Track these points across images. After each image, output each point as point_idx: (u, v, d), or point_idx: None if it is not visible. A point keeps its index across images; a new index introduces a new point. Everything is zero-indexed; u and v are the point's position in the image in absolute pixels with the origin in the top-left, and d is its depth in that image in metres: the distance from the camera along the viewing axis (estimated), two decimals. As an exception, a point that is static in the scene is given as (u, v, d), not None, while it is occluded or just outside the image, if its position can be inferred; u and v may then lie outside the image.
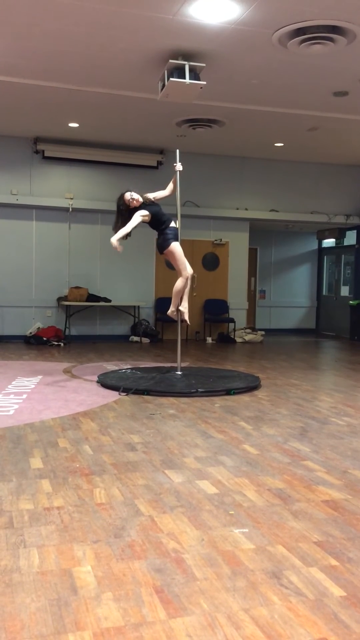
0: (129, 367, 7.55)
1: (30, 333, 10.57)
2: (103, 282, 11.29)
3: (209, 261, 12.00)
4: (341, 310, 13.25)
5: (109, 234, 11.21)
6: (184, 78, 6.27)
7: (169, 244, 6.40)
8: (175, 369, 6.81)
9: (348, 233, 12.93)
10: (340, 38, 5.84)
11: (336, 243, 13.77)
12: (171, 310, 6.63)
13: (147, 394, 5.85)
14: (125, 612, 2.02)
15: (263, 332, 11.97)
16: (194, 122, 9.10)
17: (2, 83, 7.52)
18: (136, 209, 6.41)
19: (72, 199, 10.78)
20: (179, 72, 6.29)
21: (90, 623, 1.95)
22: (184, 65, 6.28)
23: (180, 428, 4.59)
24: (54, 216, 10.93)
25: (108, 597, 2.11)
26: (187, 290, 6.62)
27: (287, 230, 13.66)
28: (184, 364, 7.29)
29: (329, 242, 14.02)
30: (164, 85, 6.47)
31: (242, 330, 11.78)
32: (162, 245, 6.47)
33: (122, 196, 6.52)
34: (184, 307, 6.61)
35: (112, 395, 5.82)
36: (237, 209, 11.82)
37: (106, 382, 6.31)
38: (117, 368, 7.49)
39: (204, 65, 6.36)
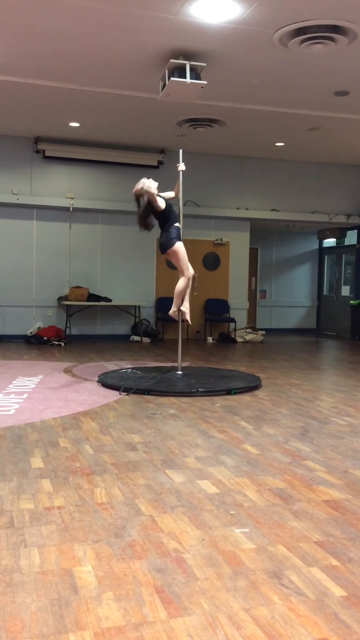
0: (130, 366, 7.55)
1: (31, 333, 10.58)
2: (104, 282, 11.29)
3: (210, 261, 12.00)
4: (342, 310, 13.25)
5: (110, 233, 11.39)
6: (185, 78, 6.27)
7: (173, 244, 6.37)
8: (175, 368, 6.81)
9: (349, 233, 12.92)
10: (341, 38, 5.84)
11: (337, 243, 13.77)
12: (173, 310, 6.62)
13: (148, 394, 5.85)
14: (125, 611, 2.02)
15: (264, 332, 11.97)
16: (195, 122, 9.10)
17: (3, 82, 7.52)
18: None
19: (72, 198, 10.78)
20: (179, 71, 6.29)
21: (91, 623, 1.95)
22: (185, 64, 6.28)
23: (180, 428, 4.58)
24: (55, 216, 10.93)
25: (109, 597, 2.11)
26: (188, 290, 6.62)
27: (287, 230, 13.65)
28: (184, 364, 7.28)
29: (330, 241, 14.02)
30: (164, 85, 6.47)
31: (243, 330, 11.78)
32: (166, 245, 6.44)
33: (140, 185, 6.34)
34: (186, 307, 6.60)
35: (112, 395, 5.82)
36: (238, 208, 11.82)
37: (107, 381, 6.31)
38: (117, 368, 7.49)
39: (204, 64, 6.36)
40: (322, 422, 4.88)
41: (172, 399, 5.67)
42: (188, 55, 6.37)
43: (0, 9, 5.54)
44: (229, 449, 4.03)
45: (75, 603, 2.07)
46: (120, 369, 7.23)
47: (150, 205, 6.21)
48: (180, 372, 6.65)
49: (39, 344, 10.19)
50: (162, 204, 6.27)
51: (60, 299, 10.94)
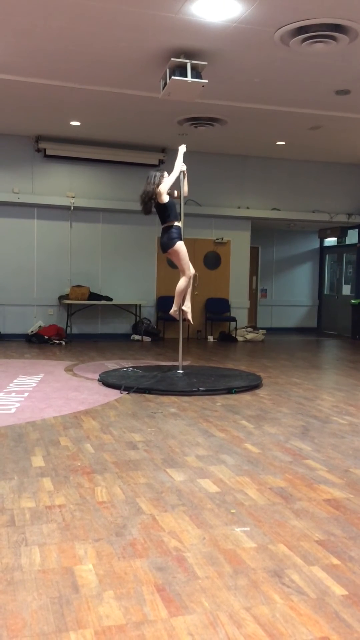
0: (131, 365, 7.55)
1: (32, 332, 10.58)
2: (104, 281, 11.29)
3: (211, 260, 11.99)
4: (343, 309, 13.24)
5: (111, 232, 11.40)
6: (186, 76, 6.26)
7: (174, 243, 6.38)
8: (176, 367, 6.81)
9: (350, 232, 12.91)
10: (343, 37, 5.83)
11: (338, 242, 13.77)
12: (173, 309, 6.63)
13: (149, 393, 5.85)
14: (126, 610, 2.02)
15: (264, 331, 11.96)
16: (196, 121, 9.09)
17: (4, 81, 7.52)
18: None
19: (73, 197, 10.78)
20: (181, 70, 6.28)
21: (92, 621, 1.95)
22: (186, 63, 6.27)
23: (181, 427, 4.58)
24: (56, 215, 10.92)
25: (109, 596, 2.11)
26: (189, 289, 6.62)
27: (288, 229, 13.65)
28: (185, 363, 7.28)
29: (331, 241, 14.01)
30: (165, 84, 6.46)
31: (244, 329, 11.78)
32: (167, 244, 6.45)
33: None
34: (187, 306, 6.61)
35: (113, 394, 5.83)
36: (239, 207, 11.82)
37: (107, 380, 6.31)
38: (118, 367, 7.50)
39: (205, 63, 6.35)
40: (323, 421, 4.88)
41: (173, 398, 5.68)
42: (189, 54, 6.36)
43: (1, 8, 5.53)
44: (229, 447, 4.03)
45: (76, 601, 2.07)
46: (121, 368, 7.23)
47: (155, 195, 6.36)
48: (181, 371, 6.65)
49: (39, 343, 10.19)
50: (165, 198, 6.38)
51: (61, 297, 10.94)
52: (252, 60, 6.68)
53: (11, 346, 9.72)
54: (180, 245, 6.39)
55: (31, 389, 6.06)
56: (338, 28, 5.74)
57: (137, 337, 11.08)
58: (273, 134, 10.04)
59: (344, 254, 13.64)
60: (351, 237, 13.06)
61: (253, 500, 3.05)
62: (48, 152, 10.50)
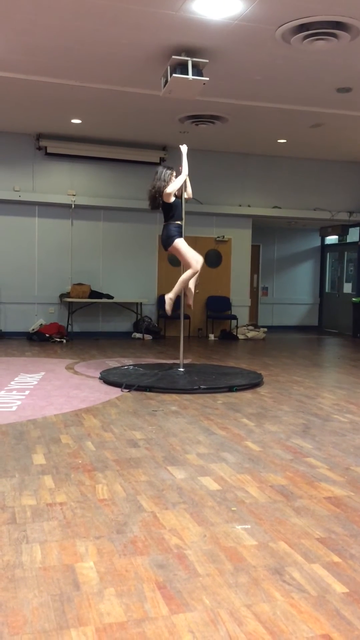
0: (132, 363, 7.56)
1: (33, 330, 10.58)
2: (105, 279, 11.28)
3: (212, 258, 11.97)
4: (344, 308, 13.23)
5: (111, 230, 11.40)
6: (187, 74, 6.25)
7: (172, 241, 6.37)
8: (177, 365, 6.81)
9: (351, 230, 12.89)
10: (344, 34, 5.82)
11: (339, 240, 13.75)
12: (169, 296, 6.44)
13: (150, 391, 5.85)
14: (127, 607, 2.02)
15: (265, 329, 11.96)
16: (197, 119, 9.08)
17: (5, 79, 7.51)
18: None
19: (74, 195, 10.78)
20: (182, 68, 6.28)
21: (93, 618, 1.96)
22: (187, 61, 6.27)
23: (182, 425, 4.59)
24: (57, 213, 10.92)
25: (110, 593, 2.11)
26: (195, 277, 6.50)
27: (289, 227, 13.64)
28: (186, 361, 7.28)
29: (332, 239, 14.00)
30: (166, 81, 6.46)
31: (245, 327, 11.77)
32: (167, 242, 6.45)
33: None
34: (191, 291, 6.52)
35: (114, 392, 5.83)
36: (240, 205, 11.81)
37: (109, 378, 6.31)
38: (119, 365, 7.50)
39: (207, 61, 6.34)
40: (324, 419, 4.88)
41: (174, 396, 5.68)
42: (190, 52, 6.35)
43: (1, 6, 5.53)
44: (230, 445, 4.03)
45: (77, 599, 2.07)
46: (122, 366, 7.23)
47: (161, 194, 6.36)
48: (182, 369, 6.65)
49: (40, 341, 10.20)
50: (171, 198, 6.38)
51: (62, 296, 10.94)
52: (253, 57, 6.67)
53: (12, 344, 9.72)
54: (178, 242, 6.36)
55: (32, 387, 6.06)
56: (339, 25, 5.73)
57: (138, 335, 11.08)
58: (274, 132, 10.03)
59: (345, 252, 13.62)
60: (352, 235, 13.04)
61: (254, 498, 3.05)
62: (49, 150, 10.49)
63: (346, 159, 12.08)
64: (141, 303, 11.28)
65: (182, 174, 6.46)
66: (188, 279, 6.43)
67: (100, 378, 6.49)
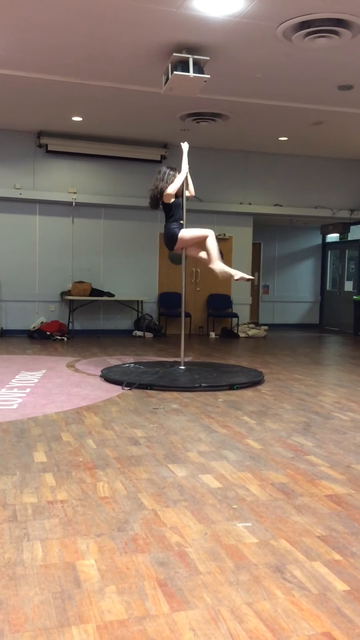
0: (133, 361, 7.56)
1: (34, 327, 10.58)
2: (106, 277, 11.28)
3: (213, 256, 11.96)
4: (345, 306, 13.23)
5: (112, 228, 11.39)
6: (188, 71, 6.25)
7: (176, 238, 6.36)
8: (178, 363, 6.81)
9: (352, 228, 12.89)
10: (345, 31, 5.81)
11: (340, 238, 13.73)
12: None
13: (151, 389, 5.85)
14: (128, 605, 2.02)
15: (266, 327, 11.96)
16: (198, 116, 9.07)
17: (5, 77, 7.50)
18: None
19: (75, 193, 10.78)
20: (183, 65, 6.27)
21: (94, 616, 1.96)
22: (188, 58, 6.26)
23: (183, 422, 4.59)
24: (58, 210, 10.91)
25: (111, 591, 2.11)
26: (214, 239, 6.45)
27: (290, 225, 13.62)
28: (187, 359, 7.28)
29: (333, 236, 13.97)
30: (167, 79, 6.45)
31: (246, 325, 11.77)
32: (171, 241, 6.42)
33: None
34: (227, 269, 6.48)
35: (115, 390, 5.83)
36: (241, 203, 11.79)
37: (109, 376, 6.31)
38: (120, 362, 7.50)
39: (208, 58, 6.34)
40: (325, 417, 4.88)
41: (175, 394, 5.68)
42: (191, 49, 6.34)
43: (2, 3, 5.52)
44: (231, 443, 4.03)
45: (78, 596, 2.07)
46: (123, 364, 7.23)
47: (162, 193, 6.36)
48: (182, 367, 6.65)
49: (41, 338, 10.20)
50: (172, 199, 6.38)
51: (63, 293, 10.95)
52: (254, 55, 6.65)
53: (13, 342, 9.73)
54: (183, 233, 6.36)
55: (33, 384, 6.07)
56: (341, 23, 5.71)
57: (139, 333, 11.08)
58: (275, 130, 10.02)
59: (347, 250, 13.61)
60: (353, 233, 13.03)
61: (255, 496, 3.05)
62: (50, 148, 10.49)
63: (347, 157, 12.07)
64: (142, 301, 11.27)
65: (182, 172, 6.44)
66: (214, 244, 6.39)
67: (101, 376, 6.49)
